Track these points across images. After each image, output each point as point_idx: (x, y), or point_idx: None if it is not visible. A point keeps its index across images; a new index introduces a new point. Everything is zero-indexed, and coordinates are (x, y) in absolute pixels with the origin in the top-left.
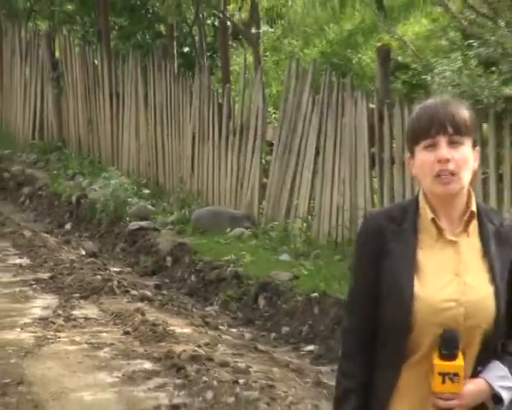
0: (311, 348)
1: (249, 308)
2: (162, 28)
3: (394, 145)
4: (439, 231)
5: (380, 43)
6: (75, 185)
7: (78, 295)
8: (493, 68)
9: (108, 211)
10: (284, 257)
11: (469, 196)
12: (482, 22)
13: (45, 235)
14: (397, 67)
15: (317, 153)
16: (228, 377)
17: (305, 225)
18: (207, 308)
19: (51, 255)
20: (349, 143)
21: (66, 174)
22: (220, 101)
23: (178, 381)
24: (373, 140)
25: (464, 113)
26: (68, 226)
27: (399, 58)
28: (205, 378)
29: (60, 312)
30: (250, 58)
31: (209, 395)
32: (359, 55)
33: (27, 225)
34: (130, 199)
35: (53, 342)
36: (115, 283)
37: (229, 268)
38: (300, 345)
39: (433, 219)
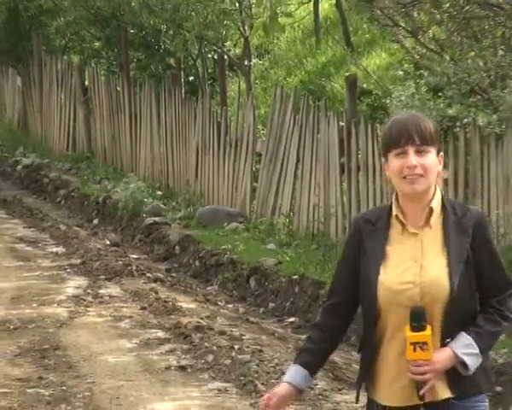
0: (292, 319)
1: (242, 288)
2: (172, 61)
3: (360, 156)
4: (403, 225)
5: (348, 73)
6: (101, 188)
7: (103, 277)
8: (440, 94)
9: (128, 209)
10: (271, 246)
11: (433, 195)
12: (431, 56)
13: (77, 228)
14: (362, 93)
15: (298, 161)
16: (225, 343)
17: (287, 220)
18: (208, 288)
19: (82, 245)
20: (323, 154)
21: (94, 179)
22: (219, 120)
23: (185, 346)
24: (342, 152)
25: (429, 125)
26: (96, 221)
27: (364, 85)
28: (206, 344)
29: (89, 291)
30: (243, 85)
31: (210, 357)
32: (331, 83)
33: (63, 220)
34: (145, 199)
35: (83, 315)
36: (134, 267)
37: (225, 255)
38: (284, 318)
39: (396, 216)
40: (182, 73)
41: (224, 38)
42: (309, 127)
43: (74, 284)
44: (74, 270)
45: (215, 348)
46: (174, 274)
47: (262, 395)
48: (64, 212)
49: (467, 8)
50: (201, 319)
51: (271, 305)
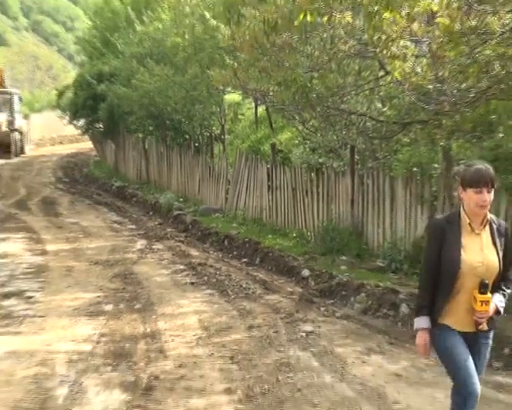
0: (245, 260)
1: (220, 245)
2: (187, 136)
3: (276, 181)
4: (472, 228)
5: (271, 142)
6: (153, 197)
7: (154, 239)
8: (315, 151)
9: (166, 207)
10: (234, 225)
11: (487, 213)
12: (310, 134)
13: (142, 216)
14: (278, 151)
15: (248, 184)
16: (212, 271)
17: (242, 212)
18: (205, 245)
19: (144, 224)
20: (260, 180)
21: (150, 193)
22: (209, 165)
23: (193, 273)
24: (268, 179)
25: (494, 175)
26: (151, 213)
27: (279, 148)
28: (203, 272)
29: (147, 246)
30: (221, 148)
31: (205, 278)
32: (263, 147)
33: (135, 212)
34: (174, 202)
35: (144, 258)
36: (168, 235)
37: (213, 229)
38: (241, 259)
39: (469, 223)
40: (191, 142)
41: (211, 125)
42: (252, 167)
43: (140, 243)
44: (140, 236)
45: (208, 273)
46: (188, 239)
47: (230, 296)
48: (135, 209)
49: (330, 111)
50: (202, 259)
51: (235, 253)
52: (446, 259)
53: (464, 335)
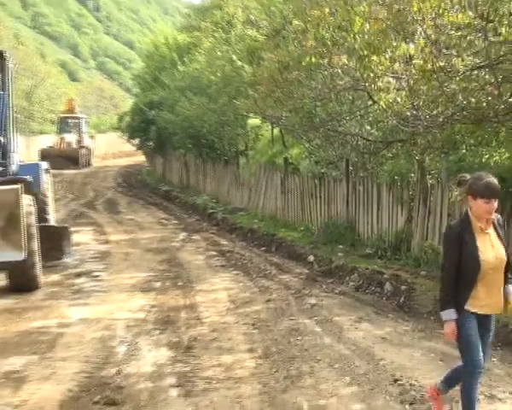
0: (263, 248)
1: (245, 236)
2: (218, 151)
3: (289, 187)
4: (482, 229)
5: (284, 156)
6: (192, 199)
7: (193, 232)
8: (317, 163)
9: (202, 206)
10: (255, 221)
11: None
12: (315, 150)
13: (183, 214)
14: (289, 164)
15: (266, 189)
16: (238, 256)
17: (261, 211)
18: (232, 236)
19: (184, 220)
20: (274, 186)
21: (190, 195)
22: (236, 174)
23: (223, 257)
24: (282, 184)
25: (499, 186)
26: (190, 211)
27: (290, 161)
28: (231, 257)
29: (187, 237)
30: (245, 160)
31: (232, 262)
32: (278, 160)
33: (177, 211)
34: (209, 203)
35: (185, 246)
36: (204, 228)
37: (239, 224)
38: (261, 248)
39: (479, 226)
40: (222, 156)
41: (237, 143)
42: (269, 176)
43: (182, 235)
44: (182, 229)
45: (234, 258)
46: (219, 231)
47: (252, 276)
48: (178, 208)
49: (330, 132)
50: (229, 247)
51: (255, 242)
52: (468, 259)
53: (480, 317)
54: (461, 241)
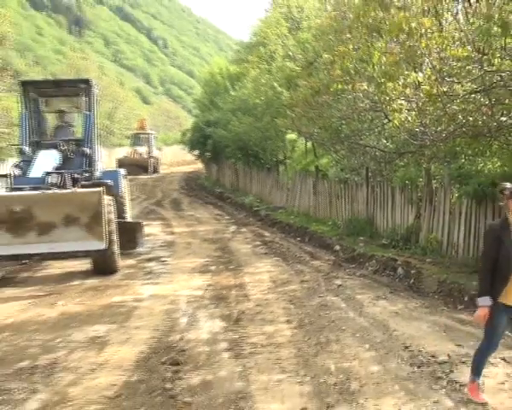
0: (299, 238)
1: (283, 229)
2: (262, 160)
3: (319, 189)
4: None
5: (315, 164)
6: (240, 199)
7: (241, 226)
8: (342, 170)
9: (249, 205)
10: (292, 217)
11: None
12: (340, 158)
13: (233, 211)
14: (320, 170)
15: (300, 191)
16: (278, 245)
17: (296, 209)
18: (273, 229)
19: (235, 216)
20: (307, 188)
21: (239, 196)
22: (276, 179)
23: (266, 246)
24: (313, 188)
25: None
26: (239, 209)
27: (321, 168)
28: (273, 246)
29: (237, 230)
30: (284, 168)
31: (274, 250)
32: (310, 167)
33: (229, 208)
34: (254, 202)
35: (235, 237)
36: (250, 223)
37: (278, 219)
38: (296, 238)
39: None
40: (265, 164)
41: (277, 154)
42: (304, 180)
43: (232, 228)
44: (232, 224)
45: (275, 247)
46: (263, 225)
47: (289, 262)
48: (229, 206)
49: (353, 145)
50: (271, 238)
51: (292, 234)
52: (504, 256)
53: (508, 308)
54: (499, 241)
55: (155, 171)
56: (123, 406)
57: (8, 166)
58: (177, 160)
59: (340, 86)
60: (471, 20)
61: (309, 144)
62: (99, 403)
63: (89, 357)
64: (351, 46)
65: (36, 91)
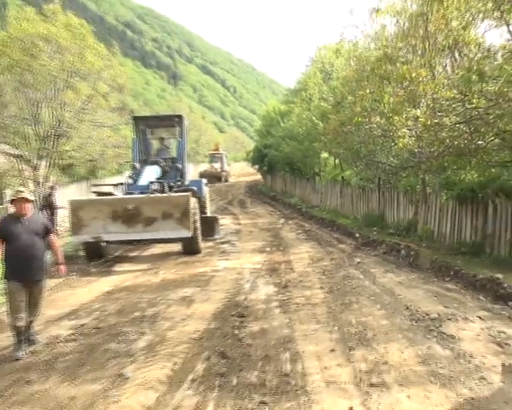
0: (329, 228)
1: (318, 221)
2: (303, 172)
3: (344, 193)
4: None
5: (341, 175)
6: (288, 200)
7: (288, 219)
8: (363, 180)
9: (293, 204)
10: (324, 213)
11: None
12: (364, 169)
13: (282, 209)
14: (344, 179)
15: (331, 194)
16: (314, 233)
17: (328, 207)
18: (311, 222)
19: (283, 212)
20: (336, 192)
21: (286, 198)
22: (313, 186)
23: (305, 234)
24: (340, 192)
25: None
26: (286, 207)
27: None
28: (311, 234)
29: (285, 222)
30: (319, 178)
31: (311, 236)
32: (338, 177)
33: (279, 206)
34: (298, 202)
35: (283, 227)
36: (295, 217)
37: (314, 214)
38: (327, 228)
39: None
40: (305, 175)
41: (314, 167)
42: (333, 187)
43: (282, 220)
44: (281, 217)
45: (312, 235)
46: (304, 219)
47: (322, 245)
48: (280, 205)
49: (368, 161)
50: (309, 228)
51: (324, 225)
52: None
53: None
54: None
55: (226, 180)
56: (204, 345)
57: (124, 177)
58: (242, 172)
59: (359, 119)
60: (456, 71)
61: (337, 161)
62: (188, 343)
63: (180, 310)
64: (367, 90)
65: (144, 124)
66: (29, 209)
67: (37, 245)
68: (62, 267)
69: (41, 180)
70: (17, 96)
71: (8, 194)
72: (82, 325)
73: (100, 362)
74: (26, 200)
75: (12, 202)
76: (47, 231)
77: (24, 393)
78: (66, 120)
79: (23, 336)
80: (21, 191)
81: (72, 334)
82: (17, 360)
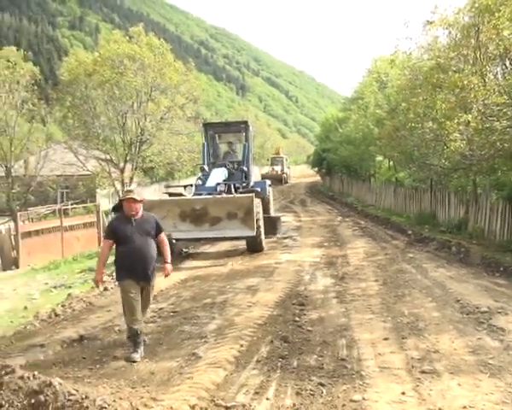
0: (383, 226)
1: (373, 219)
2: (359, 173)
3: (398, 192)
4: None
5: (395, 176)
6: (345, 199)
7: (345, 217)
8: (413, 180)
9: (350, 203)
10: (379, 211)
11: None
12: (413, 172)
13: (339, 207)
14: (398, 180)
15: (385, 194)
16: (369, 230)
17: (382, 205)
18: (366, 219)
19: (341, 210)
20: (390, 192)
21: (344, 197)
22: (369, 186)
23: (361, 230)
24: (394, 192)
25: None
26: (343, 205)
27: None
28: (366, 230)
29: (342, 219)
30: (374, 179)
31: (367, 232)
32: (392, 179)
33: (337, 205)
34: (354, 201)
35: (340, 225)
36: (351, 215)
37: (370, 212)
38: (382, 226)
39: None
40: (361, 176)
41: (369, 169)
42: (387, 187)
43: (338, 218)
44: (339, 215)
45: (367, 231)
46: (359, 216)
47: (377, 241)
48: (337, 203)
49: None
50: (364, 225)
51: (379, 223)
52: None
53: None
54: None
55: (286, 182)
56: (268, 330)
57: (194, 179)
58: (303, 174)
59: (413, 125)
60: (507, 78)
61: (391, 163)
62: (253, 328)
63: (246, 298)
64: (420, 98)
65: (213, 130)
66: (138, 209)
67: (150, 246)
68: (168, 267)
69: (127, 181)
70: (107, 109)
71: (100, 193)
72: (160, 309)
73: (176, 342)
74: (135, 200)
75: (121, 202)
76: (158, 231)
77: (111, 367)
78: (148, 128)
79: (140, 338)
80: (130, 191)
81: (152, 317)
82: (134, 362)
